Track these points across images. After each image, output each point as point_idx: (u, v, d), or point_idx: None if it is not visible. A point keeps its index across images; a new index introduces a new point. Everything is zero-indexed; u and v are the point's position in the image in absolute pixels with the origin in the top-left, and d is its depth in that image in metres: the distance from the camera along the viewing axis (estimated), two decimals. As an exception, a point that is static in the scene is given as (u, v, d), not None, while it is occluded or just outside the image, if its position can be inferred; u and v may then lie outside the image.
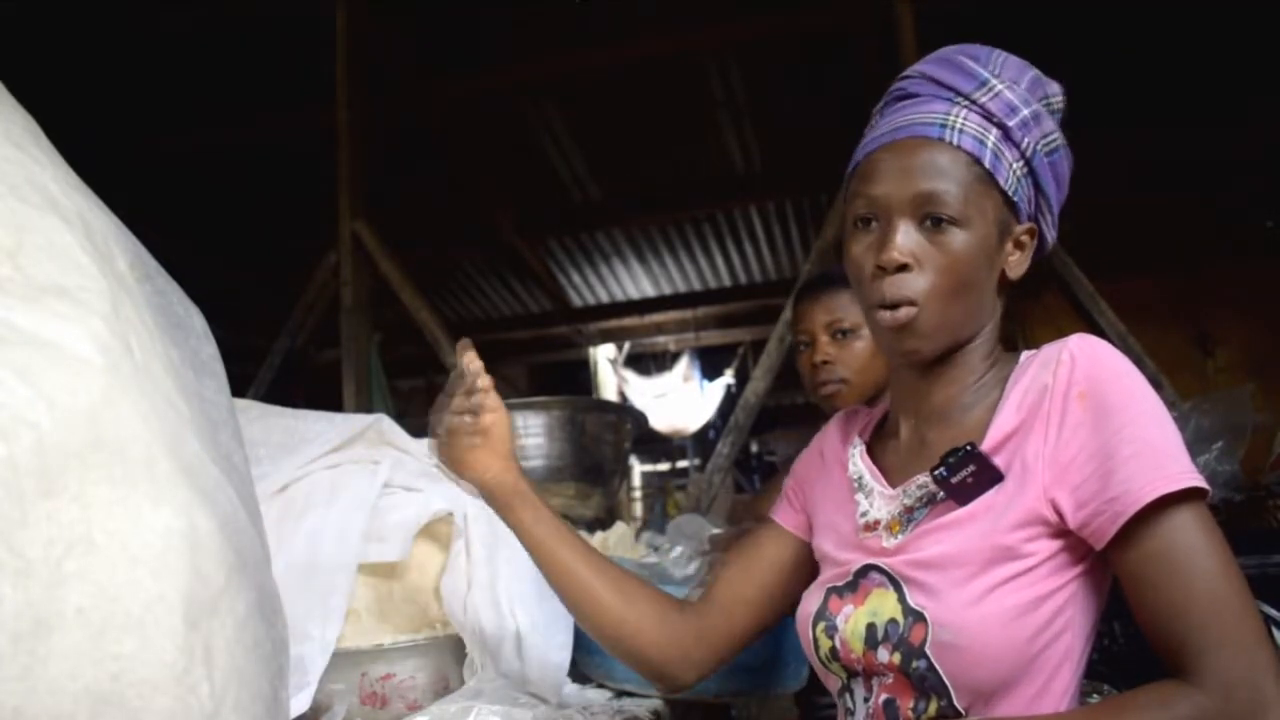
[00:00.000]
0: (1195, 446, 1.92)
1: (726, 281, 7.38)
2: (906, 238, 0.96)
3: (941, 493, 0.96)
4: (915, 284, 0.96)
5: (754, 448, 9.97)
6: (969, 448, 0.94)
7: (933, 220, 0.96)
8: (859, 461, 1.09)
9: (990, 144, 0.97)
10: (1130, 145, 4.80)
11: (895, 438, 1.09)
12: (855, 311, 1.74)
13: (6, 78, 0.80)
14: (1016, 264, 1.02)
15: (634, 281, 7.35)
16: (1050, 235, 1.05)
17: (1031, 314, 5.50)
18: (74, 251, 0.67)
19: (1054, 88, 1.04)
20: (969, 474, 0.93)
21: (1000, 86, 0.99)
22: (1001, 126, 0.98)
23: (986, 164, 0.97)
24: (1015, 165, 0.99)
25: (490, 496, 1.12)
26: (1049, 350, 0.96)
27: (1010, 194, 0.98)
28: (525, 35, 4.10)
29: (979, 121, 0.98)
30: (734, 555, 1.22)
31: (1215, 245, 5.64)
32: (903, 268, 0.96)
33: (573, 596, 1.13)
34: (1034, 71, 1.03)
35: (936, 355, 1.00)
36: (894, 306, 0.97)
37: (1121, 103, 4.33)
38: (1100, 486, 0.86)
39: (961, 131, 0.97)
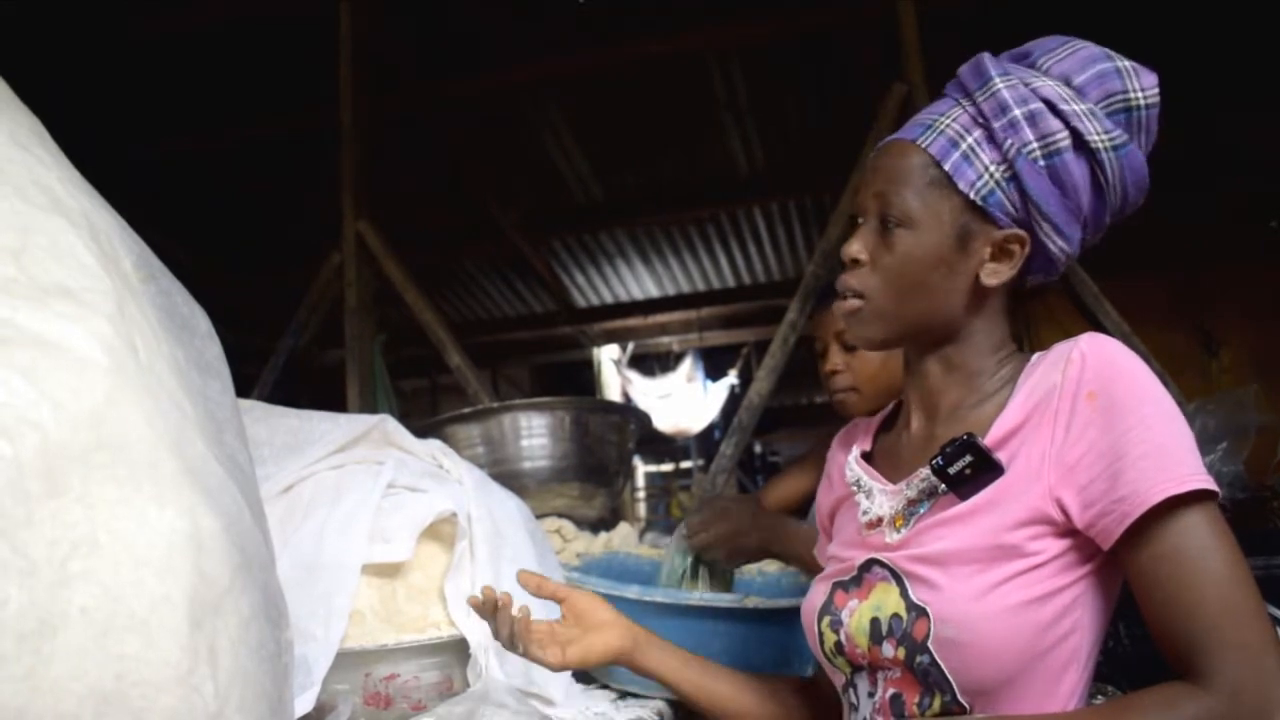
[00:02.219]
0: (1200, 447, 1.91)
1: (730, 282, 7.37)
2: (864, 236, 1.03)
3: (942, 486, 0.96)
4: (864, 280, 1.02)
5: (758, 448, 9.99)
6: (965, 437, 0.93)
7: (885, 221, 1.01)
8: (855, 467, 1.10)
9: (964, 146, 0.97)
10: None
11: (905, 433, 1.09)
12: None
13: (10, 79, 0.80)
14: (993, 271, 0.99)
15: (637, 282, 7.34)
16: (1053, 245, 0.99)
17: (1036, 314, 5.49)
18: (79, 252, 0.67)
19: (1133, 83, 0.96)
20: (966, 465, 0.93)
21: (1000, 85, 0.96)
22: (985, 127, 0.97)
23: (946, 167, 0.97)
24: (992, 168, 0.96)
25: (619, 663, 1.18)
26: (1059, 349, 0.95)
27: (973, 198, 0.97)
28: (528, 35, 4.10)
29: (965, 122, 0.98)
30: None
31: (1219, 245, 5.63)
32: (856, 262, 1.03)
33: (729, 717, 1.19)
34: (1109, 64, 0.97)
35: (885, 344, 1.06)
36: (844, 296, 1.04)
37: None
38: (1108, 486, 0.86)
39: (941, 133, 0.99)
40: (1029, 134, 0.96)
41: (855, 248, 1.03)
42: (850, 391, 1.80)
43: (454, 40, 4.11)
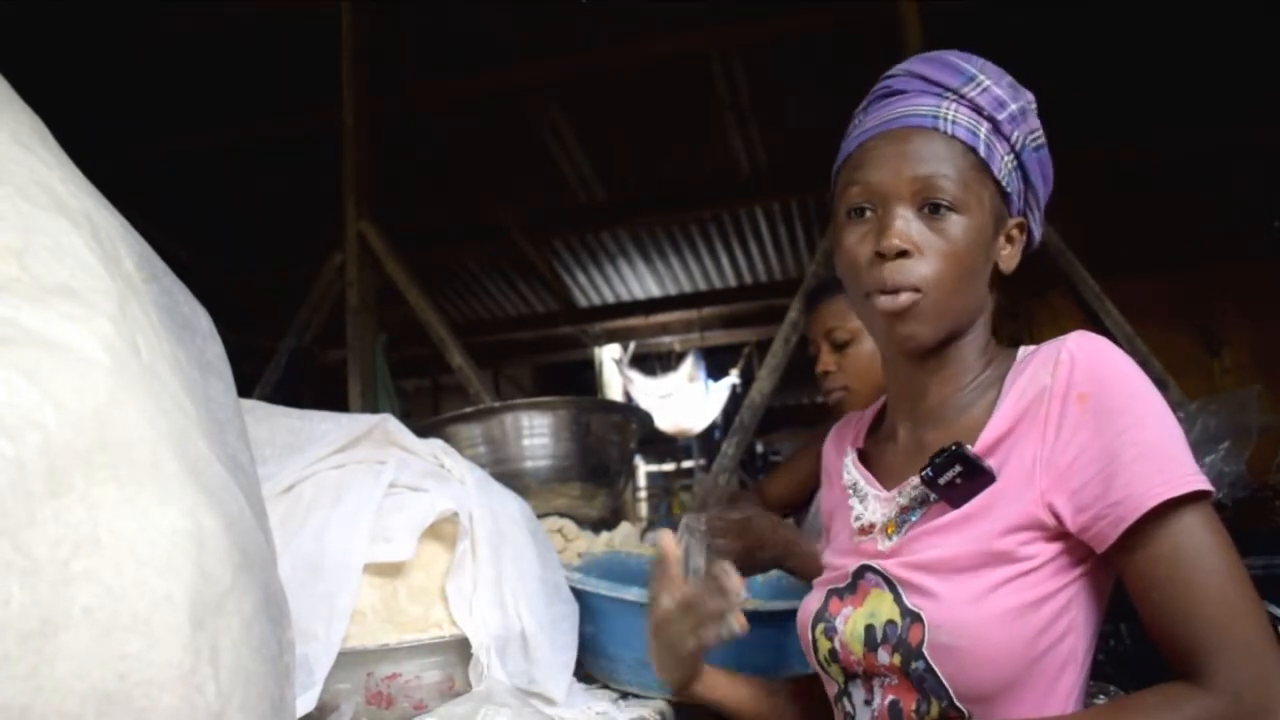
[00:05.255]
0: (1202, 447, 1.91)
1: (732, 282, 7.37)
2: (906, 224, 0.95)
3: (933, 495, 0.95)
4: (917, 270, 0.94)
5: (759, 448, 9.98)
6: (954, 447, 0.92)
7: (931, 206, 0.95)
8: (852, 469, 1.10)
9: (983, 135, 0.97)
10: (1137, 145, 4.78)
11: (893, 440, 1.08)
12: (852, 318, 1.78)
13: (12, 79, 0.80)
14: (1009, 257, 1.02)
15: (639, 282, 7.34)
16: (1037, 231, 1.06)
17: (1038, 314, 5.48)
18: (81, 252, 0.67)
19: (1029, 96, 1.03)
20: (956, 474, 0.92)
21: (988, 82, 0.99)
22: (991, 120, 0.98)
23: (981, 153, 0.97)
24: (1006, 158, 0.99)
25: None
26: (1048, 349, 0.94)
27: (1004, 185, 0.99)
28: (529, 35, 4.10)
29: (969, 114, 0.98)
30: None
31: (1221, 245, 5.63)
32: (903, 254, 0.94)
33: None
34: (1010, 78, 1.03)
35: (934, 344, 0.98)
36: (894, 292, 0.95)
37: (1128, 103, 4.31)
38: (1102, 490, 0.85)
39: (954, 122, 0.97)
40: (1024, 127, 1.01)
41: (900, 237, 0.94)
42: (843, 390, 1.82)
43: (455, 40, 4.11)
